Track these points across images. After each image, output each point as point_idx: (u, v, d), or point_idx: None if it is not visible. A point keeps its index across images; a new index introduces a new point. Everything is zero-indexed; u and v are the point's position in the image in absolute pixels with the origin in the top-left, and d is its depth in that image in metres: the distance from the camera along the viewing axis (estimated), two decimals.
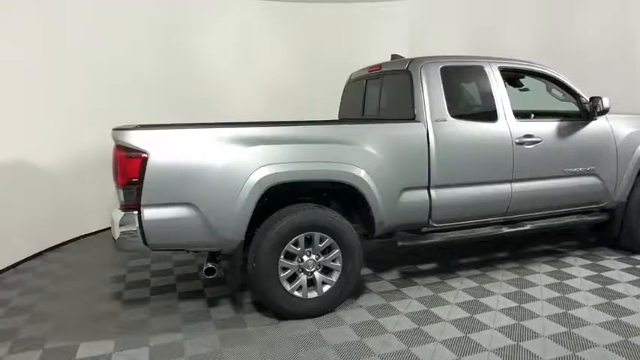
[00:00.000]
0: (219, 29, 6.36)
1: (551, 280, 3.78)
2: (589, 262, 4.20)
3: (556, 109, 4.40)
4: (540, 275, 3.90)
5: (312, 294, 3.20)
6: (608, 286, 3.63)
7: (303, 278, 3.17)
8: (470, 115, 3.66)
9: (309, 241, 3.16)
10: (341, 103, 4.87)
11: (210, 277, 3.01)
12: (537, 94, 4.38)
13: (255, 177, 2.92)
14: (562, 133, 3.90)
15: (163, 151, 2.80)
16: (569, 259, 4.28)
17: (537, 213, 3.96)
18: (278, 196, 3.19)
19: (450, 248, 4.62)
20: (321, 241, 3.17)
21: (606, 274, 3.90)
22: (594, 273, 3.92)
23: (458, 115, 3.57)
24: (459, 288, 3.67)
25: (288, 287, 3.11)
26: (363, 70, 4.42)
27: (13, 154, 4.34)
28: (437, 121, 3.47)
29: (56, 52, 4.76)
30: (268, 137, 3.01)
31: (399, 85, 3.73)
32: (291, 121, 4.03)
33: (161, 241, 2.88)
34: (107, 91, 5.24)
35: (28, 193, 4.52)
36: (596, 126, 4.02)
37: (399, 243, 3.49)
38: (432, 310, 3.30)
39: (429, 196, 3.47)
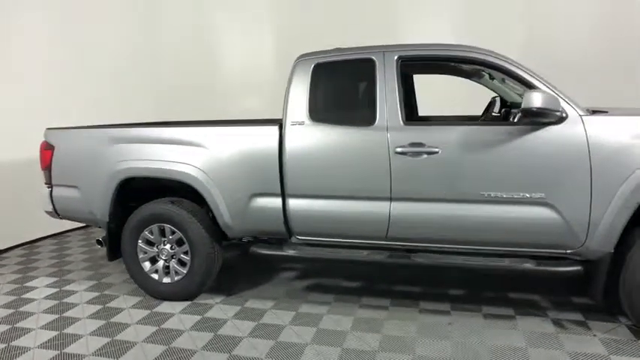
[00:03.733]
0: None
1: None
2: (548, 330, 2.88)
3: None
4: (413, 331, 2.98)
5: (167, 279, 3.54)
6: None
7: (159, 263, 3.55)
8: (336, 118, 3.11)
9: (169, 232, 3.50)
10: None
11: (99, 247, 3.75)
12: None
13: (112, 170, 3.47)
14: (481, 141, 2.82)
15: (62, 145, 3.69)
16: (503, 324, 3.03)
17: (449, 246, 3.01)
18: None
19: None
20: (173, 233, 3.47)
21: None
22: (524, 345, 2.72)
23: (320, 118, 3.13)
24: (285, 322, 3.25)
25: (146, 268, 3.57)
26: None
27: None
28: (293, 124, 3.15)
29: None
30: (129, 137, 3.50)
31: None
32: (152, 122, 4.24)
33: (65, 214, 3.81)
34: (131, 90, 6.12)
35: None
36: (556, 133, 2.69)
37: (251, 249, 3.38)
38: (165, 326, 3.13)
39: (284, 205, 3.22)
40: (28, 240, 5.24)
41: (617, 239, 2.64)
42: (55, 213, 3.83)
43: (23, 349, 2.90)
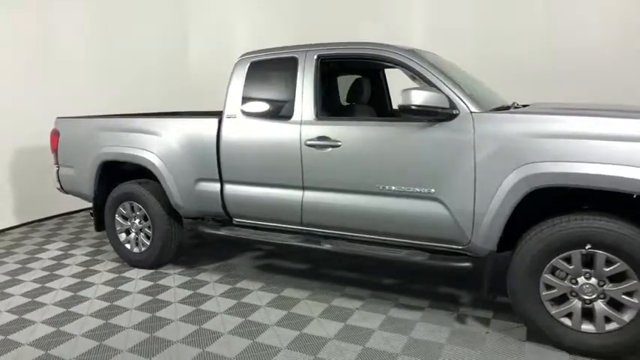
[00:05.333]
0: None
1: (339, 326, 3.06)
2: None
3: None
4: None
5: (136, 249, 4.10)
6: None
7: (131, 235, 4.12)
8: (262, 113, 3.39)
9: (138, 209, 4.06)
10: None
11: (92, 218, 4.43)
12: None
13: (95, 154, 4.09)
14: (377, 136, 2.93)
15: (65, 132, 4.40)
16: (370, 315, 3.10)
17: (353, 234, 3.17)
18: None
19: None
20: (140, 210, 4.01)
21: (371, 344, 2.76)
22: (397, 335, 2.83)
23: (250, 112, 3.43)
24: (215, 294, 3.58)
25: (122, 239, 4.16)
26: None
27: None
28: (228, 117, 3.50)
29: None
30: (109, 126, 4.09)
31: None
32: (126, 114, 4.67)
33: (68, 189, 4.53)
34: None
35: None
36: (445, 130, 2.73)
37: (199, 227, 3.80)
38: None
39: (222, 189, 3.58)
40: (65, 211, 6.19)
41: (498, 238, 2.63)
42: (62, 189, 4.58)
43: (8, 295, 3.62)
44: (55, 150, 4.49)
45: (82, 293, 3.62)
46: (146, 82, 6.79)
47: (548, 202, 2.62)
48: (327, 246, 3.22)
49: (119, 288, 3.70)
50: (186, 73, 7.35)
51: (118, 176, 4.22)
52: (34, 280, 3.91)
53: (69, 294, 3.61)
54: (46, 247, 4.85)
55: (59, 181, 4.53)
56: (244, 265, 4.14)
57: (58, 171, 4.52)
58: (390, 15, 6.31)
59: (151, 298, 3.50)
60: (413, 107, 2.64)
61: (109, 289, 3.69)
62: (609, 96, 4.62)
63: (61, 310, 3.34)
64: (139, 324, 3.09)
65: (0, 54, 5.35)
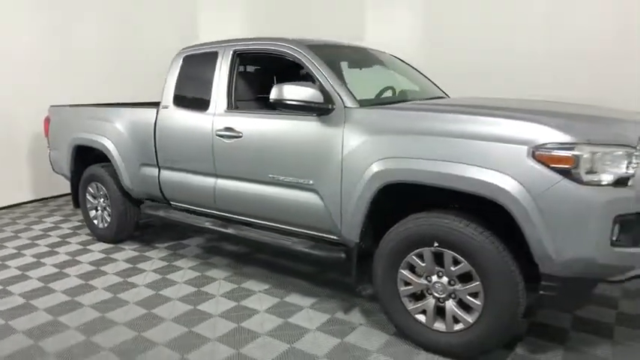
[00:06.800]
0: None
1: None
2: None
3: None
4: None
5: (101, 225, 4.56)
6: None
7: (98, 213, 4.59)
8: (188, 104, 3.63)
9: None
10: None
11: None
12: None
13: (71, 138, 4.59)
14: (268, 129, 3.07)
15: (54, 118, 4.96)
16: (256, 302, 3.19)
17: (254, 220, 3.34)
18: None
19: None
20: (103, 190, 4.46)
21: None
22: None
23: (179, 103, 3.69)
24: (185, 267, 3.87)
25: (92, 215, 4.64)
26: None
27: None
28: (163, 108, 3.79)
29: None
30: (83, 114, 4.57)
31: None
32: (97, 103, 5.01)
33: (57, 170, 5.10)
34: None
35: None
36: (322, 124, 2.81)
37: (144, 210, 4.15)
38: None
39: (159, 174, 3.90)
40: None
41: (359, 231, 2.68)
42: (53, 169, 5.17)
43: None
44: (47, 134, 5.08)
45: (44, 260, 4.13)
46: (155, 75, 7.29)
47: (432, 199, 2.62)
48: (230, 230, 3.43)
49: (76, 258, 4.17)
50: None
51: (95, 159, 4.70)
52: (16, 247, 4.51)
53: (33, 260, 4.14)
54: (44, 219, 5.50)
55: (50, 162, 5.13)
56: (193, 247, 4.45)
57: (49, 153, 5.11)
58: (393, 14, 6.26)
59: (94, 268, 3.92)
60: (285, 102, 2.75)
61: (67, 258, 4.18)
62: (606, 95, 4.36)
63: (17, 272, 3.86)
64: (68, 289, 3.51)
65: (22, 45, 6.06)
